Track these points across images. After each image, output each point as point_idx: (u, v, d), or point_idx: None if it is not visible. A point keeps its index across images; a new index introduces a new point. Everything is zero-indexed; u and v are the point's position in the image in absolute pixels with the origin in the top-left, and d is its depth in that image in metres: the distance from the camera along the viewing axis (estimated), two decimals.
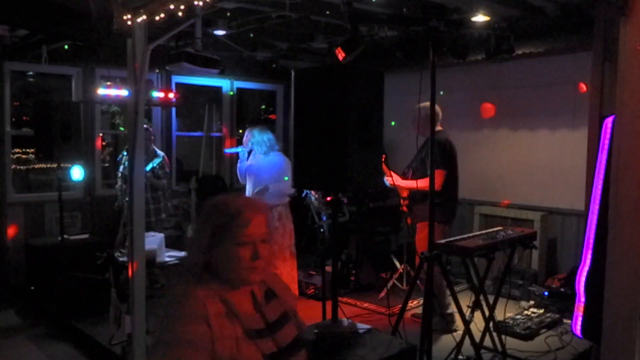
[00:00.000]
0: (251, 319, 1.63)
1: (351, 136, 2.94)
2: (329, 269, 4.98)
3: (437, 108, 4.64)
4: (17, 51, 5.89)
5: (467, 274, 3.84)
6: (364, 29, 5.35)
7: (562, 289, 5.16)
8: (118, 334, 4.29)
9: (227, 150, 5.67)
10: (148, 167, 5.52)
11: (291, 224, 5.36)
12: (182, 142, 8.33)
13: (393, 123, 6.39)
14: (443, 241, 3.68)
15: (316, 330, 2.99)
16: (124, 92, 5.77)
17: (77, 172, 6.06)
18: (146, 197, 4.93)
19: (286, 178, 5.18)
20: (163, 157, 5.80)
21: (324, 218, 5.89)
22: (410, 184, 4.48)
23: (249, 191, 5.37)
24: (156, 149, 6.00)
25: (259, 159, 5.34)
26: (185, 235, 6.74)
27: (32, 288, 5.62)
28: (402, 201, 4.85)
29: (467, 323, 3.60)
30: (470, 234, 4.01)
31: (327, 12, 4.87)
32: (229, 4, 4.70)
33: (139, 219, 3.68)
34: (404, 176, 4.72)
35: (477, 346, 3.72)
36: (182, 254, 4.85)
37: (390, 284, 5.67)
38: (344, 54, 3.58)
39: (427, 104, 4.51)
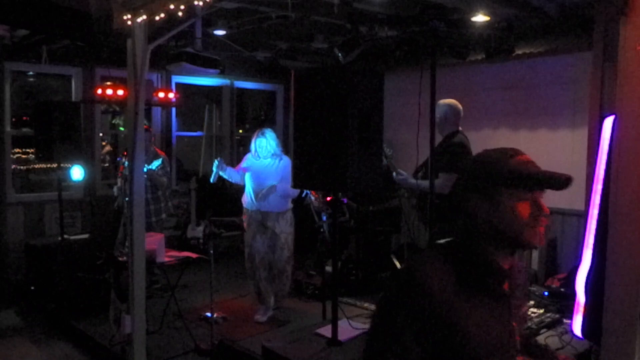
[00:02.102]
0: None
1: (351, 136, 2.95)
2: (329, 269, 4.98)
3: (459, 106, 4.59)
4: (17, 51, 5.90)
5: None
6: (364, 29, 5.34)
7: (562, 289, 5.15)
8: (118, 334, 4.29)
9: (212, 180, 5.33)
10: (145, 169, 5.46)
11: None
12: (182, 142, 8.34)
13: None
14: (443, 241, 3.67)
15: None
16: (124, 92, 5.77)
17: (77, 172, 6.06)
18: (146, 198, 4.91)
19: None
20: (163, 158, 5.78)
21: (324, 218, 5.88)
22: (413, 183, 4.44)
23: (252, 193, 5.12)
24: (157, 150, 5.99)
25: (262, 161, 5.09)
26: (184, 236, 6.71)
27: (32, 288, 5.62)
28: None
29: None
30: None
31: (327, 12, 4.86)
32: (229, 4, 4.70)
33: (139, 219, 3.68)
34: (415, 175, 4.66)
35: None
36: (183, 254, 4.81)
37: None
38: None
39: (447, 101, 4.46)
